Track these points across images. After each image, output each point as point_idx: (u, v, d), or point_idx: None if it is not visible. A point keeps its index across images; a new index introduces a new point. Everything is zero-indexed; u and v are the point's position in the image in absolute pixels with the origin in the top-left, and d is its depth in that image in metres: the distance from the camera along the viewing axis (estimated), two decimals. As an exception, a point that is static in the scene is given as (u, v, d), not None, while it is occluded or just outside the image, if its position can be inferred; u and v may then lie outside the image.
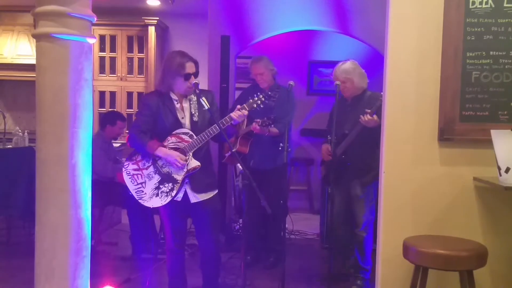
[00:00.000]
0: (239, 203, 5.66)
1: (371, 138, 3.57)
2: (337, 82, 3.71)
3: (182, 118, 3.22)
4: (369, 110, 3.59)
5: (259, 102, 3.29)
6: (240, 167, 3.07)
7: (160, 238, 4.75)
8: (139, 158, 3.23)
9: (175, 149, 3.16)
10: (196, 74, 3.20)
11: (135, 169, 3.22)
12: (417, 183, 2.98)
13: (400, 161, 2.99)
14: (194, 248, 4.59)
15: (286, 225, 4.69)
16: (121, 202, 4.83)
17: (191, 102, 3.25)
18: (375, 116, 3.57)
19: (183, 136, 3.18)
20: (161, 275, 3.93)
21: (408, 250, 2.66)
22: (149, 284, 3.72)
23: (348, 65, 3.85)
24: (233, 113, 3.20)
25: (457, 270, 2.63)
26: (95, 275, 2.64)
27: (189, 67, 3.16)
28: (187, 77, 3.15)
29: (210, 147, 3.39)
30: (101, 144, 4.59)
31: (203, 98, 3.13)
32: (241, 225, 5.19)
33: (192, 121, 3.21)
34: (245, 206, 3.49)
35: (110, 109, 6.70)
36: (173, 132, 3.18)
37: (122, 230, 5.43)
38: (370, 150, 3.70)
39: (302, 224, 5.83)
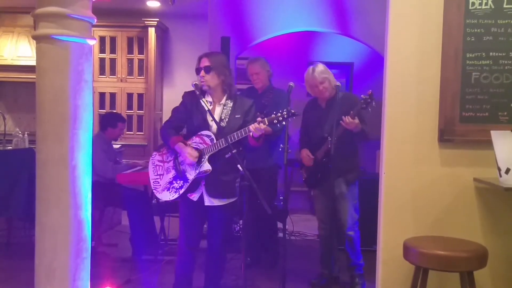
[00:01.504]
0: (239, 204, 5.66)
1: (350, 137, 3.67)
2: (337, 83, 3.72)
3: (211, 120, 3.22)
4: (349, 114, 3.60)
5: (280, 118, 3.16)
6: (240, 168, 3.06)
7: (160, 239, 4.75)
8: (165, 151, 3.35)
9: (196, 149, 3.20)
10: (207, 69, 3.20)
11: (159, 160, 3.34)
12: (418, 184, 2.98)
13: (401, 162, 3.00)
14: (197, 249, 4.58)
15: (286, 226, 4.69)
16: (121, 203, 4.83)
17: (224, 107, 3.26)
18: (356, 119, 3.59)
19: (205, 138, 3.21)
20: (162, 276, 3.93)
21: (408, 251, 2.66)
22: (155, 284, 3.72)
23: (321, 66, 3.90)
24: (252, 126, 3.11)
25: (458, 271, 2.63)
26: (95, 277, 2.64)
27: (200, 62, 3.26)
28: (197, 71, 3.26)
29: (235, 157, 3.32)
30: (101, 145, 4.60)
31: (204, 99, 3.16)
32: (241, 226, 5.19)
33: (219, 125, 3.19)
34: (245, 207, 3.49)
35: (109, 111, 6.70)
36: (198, 133, 3.23)
37: (122, 232, 5.42)
38: (351, 149, 3.75)
39: (302, 225, 5.83)
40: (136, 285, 3.95)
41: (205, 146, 3.19)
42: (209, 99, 3.27)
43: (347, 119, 3.59)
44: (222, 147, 3.15)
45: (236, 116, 3.24)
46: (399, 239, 2.80)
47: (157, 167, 3.33)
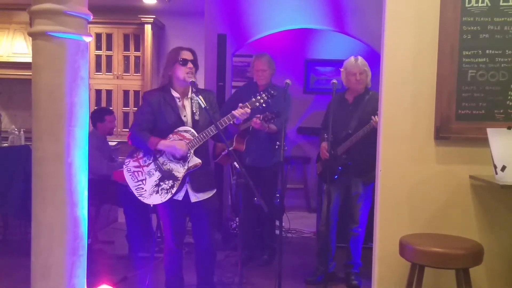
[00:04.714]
0: (235, 202, 5.67)
1: (374, 138, 3.61)
2: (334, 81, 3.72)
3: (184, 116, 3.23)
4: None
5: (261, 101, 3.29)
6: (237, 165, 3.07)
7: (157, 236, 4.75)
8: (140, 155, 3.24)
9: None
10: (194, 63, 3.20)
11: (135, 166, 3.23)
12: (414, 182, 2.99)
13: (397, 159, 3.00)
14: (190, 247, 4.58)
15: (283, 224, 4.70)
16: (117, 201, 4.83)
17: (192, 101, 3.26)
18: None
19: (185, 134, 3.19)
20: (158, 274, 3.92)
21: (404, 248, 2.67)
22: (148, 283, 3.72)
23: (362, 59, 3.94)
24: (236, 111, 3.20)
25: (453, 268, 2.63)
26: (92, 274, 2.64)
27: (185, 54, 3.19)
28: (183, 62, 3.17)
29: (208, 146, 3.39)
30: (95, 143, 4.58)
31: (200, 96, 3.14)
32: (237, 223, 5.19)
33: (193, 120, 3.22)
34: (241, 204, 3.49)
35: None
36: (175, 130, 3.20)
37: (119, 229, 5.42)
38: (373, 150, 3.73)
39: (299, 222, 5.84)
40: (132, 282, 3.95)
41: (187, 141, 3.17)
42: (176, 94, 3.24)
43: (376, 118, 3.59)
44: (210, 136, 3.16)
45: (203, 107, 3.21)
46: (395, 236, 2.80)
47: (136, 173, 3.21)
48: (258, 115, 3.92)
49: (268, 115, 3.85)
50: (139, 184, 3.20)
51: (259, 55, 4.52)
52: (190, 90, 3.26)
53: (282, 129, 4.07)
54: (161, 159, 3.20)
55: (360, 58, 3.94)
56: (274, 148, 4.33)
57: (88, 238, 2.46)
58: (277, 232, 4.55)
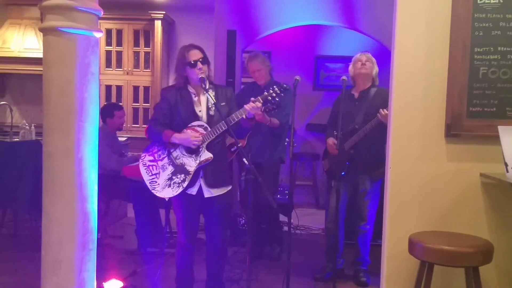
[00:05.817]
0: (244, 198, 5.67)
1: (382, 133, 3.57)
2: (344, 77, 3.72)
3: (200, 111, 3.26)
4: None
5: (274, 94, 3.30)
6: (246, 161, 3.06)
7: (166, 232, 4.77)
8: (155, 149, 3.31)
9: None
10: (204, 60, 3.21)
11: (150, 160, 3.30)
12: (424, 179, 2.98)
13: (407, 156, 2.99)
14: (200, 242, 4.60)
15: (292, 220, 4.70)
16: (127, 196, 4.85)
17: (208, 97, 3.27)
18: None
19: (198, 128, 3.22)
20: (167, 269, 3.94)
21: (414, 246, 2.66)
22: (158, 277, 3.73)
23: (370, 54, 4.01)
24: (247, 105, 3.21)
25: (463, 267, 2.62)
26: (101, 268, 2.65)
27: (193, 55, 3.20)
28: (192, 64, 3.18)
29: (225, 142, 3.40)
30: (105, 138, 4.60)
31: (210, 92, 3.15)
32: (246, 219, 5.20)
33: (208, 115, 3.24)
34: (250, 201, 3.49)
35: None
36: (189, 125, 3.23)
37: (128, 224, 5.45)
38: (381, 146, 3.70)
39: (307, 219, 5.83)
40: (142, 277, 3.97)
41: (201, 135, 3.20)
42: (192, 90, 3.27)
43: (384, 111, 3.58)
44: (221, 131, 3.18)
45: (222, 104, 3.26)
46: (405, 234, 2.80)
47: (150, 167, 3.28)
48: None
49: (269, 106, 3.84)
50: (153, 178, 3.26)
51: (250, 56, 4.51)
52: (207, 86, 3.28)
53: (286, 124, 4.05)
54: (174, 154, 3.24)
55: (368, 53, 3.98)
56: (275, 143, 4.34)
57: (97, 232, 2.48)
58: (286, 228, 4.55)
